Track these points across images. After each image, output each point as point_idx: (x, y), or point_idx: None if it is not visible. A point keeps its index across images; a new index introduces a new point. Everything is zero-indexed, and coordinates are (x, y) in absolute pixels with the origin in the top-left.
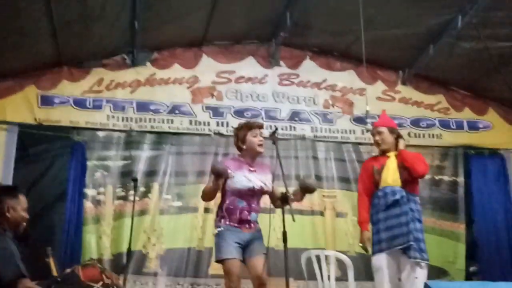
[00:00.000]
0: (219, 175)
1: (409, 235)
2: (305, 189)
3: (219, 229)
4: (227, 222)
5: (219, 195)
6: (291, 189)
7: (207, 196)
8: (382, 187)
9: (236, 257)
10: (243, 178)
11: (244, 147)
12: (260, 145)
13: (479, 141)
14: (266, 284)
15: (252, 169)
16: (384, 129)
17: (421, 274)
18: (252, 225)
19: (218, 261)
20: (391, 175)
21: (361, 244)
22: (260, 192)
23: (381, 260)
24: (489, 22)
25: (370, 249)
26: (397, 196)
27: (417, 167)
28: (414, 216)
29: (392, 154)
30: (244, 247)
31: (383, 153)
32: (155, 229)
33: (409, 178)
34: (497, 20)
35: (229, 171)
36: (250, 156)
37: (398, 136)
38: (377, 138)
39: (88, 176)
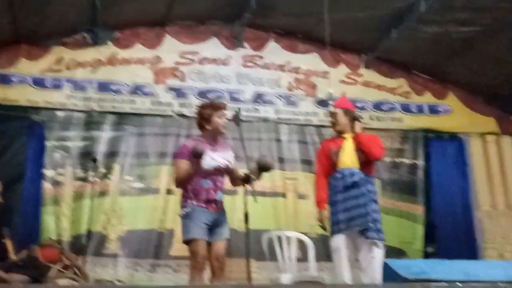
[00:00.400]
0: (200, 156)
1: (367, 216)
2: (263, 168)
3: (186, 209)
4: (194, 203)
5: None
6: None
7: (185, 181)
8: (340, 169)
9: (203, 238)
10: (208, 158)
11: (209, 127)
12: (224, 127)
13: (439, 124)
14: (224, 268)
15: (215, 148)
16: (338, 111)
17: (378, 254)
18: (218, 204)
19: (185, 241)
20: (348, 157)
21: (319, 223)
22: (225, 170)
23: (339, 241)
24: (451, 7)
25: (328, 228)
26: (355, 178)
27: (373, 150)
28: (371, 197)
29: (348, 136)
30: (210, 228)
31: (339, 134)
32: (116, 211)
33: (366, 160)
34: (459, 5)
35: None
36: (212, 136)
37: (355, 119)
38: (332, 119)
39: (46, 156)
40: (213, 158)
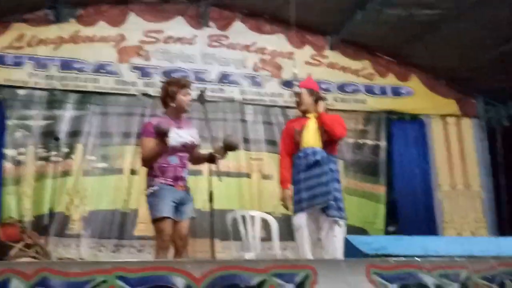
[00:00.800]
0: (165, 133)
1: (328, 195)
2: (229, 147)
3: (154, 188)
4: (162, 181)
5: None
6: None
7: (153, 159)
8: (303, 148)
9: (171, 216)
10: (174, 134)
11: (173, 104)
12: (188, 104)
13: (401, 106)
14: (187, 246)
15: (179, 125)
16: (303, 90)
17: (340, 232)
18: (184, 182)
19: (154, 219)
20: (311, 136)
21: (281, 202)
22: (191, 147)
23: (301, 219)
24: None
25: (290, 207)
26: (318, 157)
27: (336, 129)
28: (333, 176)
29: (312, 116)
30: (176, 207)
31: (304, 114)
32: (79, 191)
33: (329, 139)
34: None
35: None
36: (176, 114)
37: (319, 99)
38: (297, 98)
39: (7, 135)
40: (179, 135)
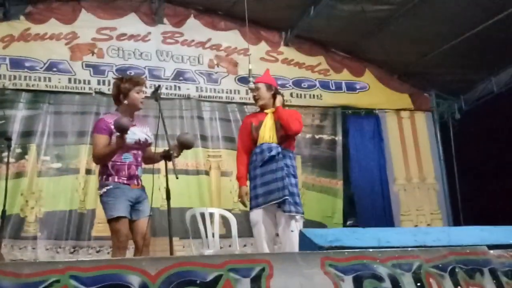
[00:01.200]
0: (125, 129)
1: (284, 190)
2: (183, 145)
3: (107, 187)
4: (116, 180)
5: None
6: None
7: (109, 156)
8: (260, 144)
9: (127, 216)
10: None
11: (126, 102)
12: (141, 102)
13: (356, 101)
14: (149, 245)
15: (132, 123)
16: (261, 85)
17: (296, 227)
18: (139, 180)
19: (110, 220)
20: (268, 132)
21: (239, 199)
22: (145, 144)
23: (258, 215)
24: None
25: (248, 203)
26: (273, 152)
27: (292, 125)
28: (289, 171)
29: (270, 111)
30: (132, 206)
31: (262, 109)
32: (34, 192)
33: (285, 134)
34: None
35: (111, 125)
36: (129, 112)
37: (276, 93)
38: (255, 93)
39: None
40: (132, 132)
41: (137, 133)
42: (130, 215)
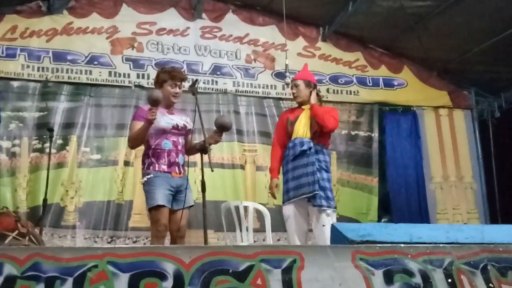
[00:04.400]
0: (156, 101)
1: (314, 185)
2: (221, 127)
3: (148, 176)
4: (156, 168)
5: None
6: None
7: (140, 137)
8: (293, 138)
9: (166, 205)
10: (164, 117)
11: (160, 91)
12: (174, 96)
13: (393, 98)
14: (185, 236)
15: (170, 111)
16: (300, 82)
17: (328, 221)
18: (181, 169)
19: (149, 208)
20: (302, 127)
21: (269, 191)
22: (184, 131)
23: (289, 210)
24: None
25: (276, 195)
26: (305, 147)
27: (327, 122)
28: (321, 166)
29: (307, 107)
30: (174, 194)
31: (300, 105)
32: (73, 182)
33: (320, 130)
34: None
35: None
36: (165, 102)
37: (314, 90)
38: (294, 90)
39: (2, 127)
40: (171, 118)
41: (174, 119)
42: (171, 204)
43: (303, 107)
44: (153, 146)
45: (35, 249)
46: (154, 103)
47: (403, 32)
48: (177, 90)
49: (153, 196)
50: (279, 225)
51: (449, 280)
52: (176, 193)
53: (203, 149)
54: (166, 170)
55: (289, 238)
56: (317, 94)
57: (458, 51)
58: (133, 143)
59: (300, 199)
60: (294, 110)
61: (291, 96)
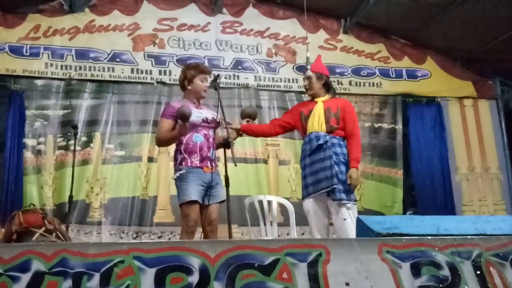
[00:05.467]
0: (186, 116)
1: (332, 179)
2: (247, 115)
3: (180, 172)
4: (189, 164)
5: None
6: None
7: (169, 141)
8: (309, 133)
9: (198, 200)
10: (194, 111)
11: (190, 88)
12: (205, 91)
13: (417, 89)
14: (216, 231)
15: (198, 106)
16: (312, 74)
17: (349, 215)
18: (213, 163)
19: (181, 204)
20: (316, 121)
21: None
22: (214, 123)
23: (308, 204)
24: None
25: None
26: (321, 141)
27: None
28: (339, 159)
29: (319, 100)
30: (206, 189)
31: (312, 98)
32: (98, 179)
33: (336, 124)
34: None
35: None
36: (194, 98)
37: (327, 83)
38: (305, 83)
39: (27, 125)
40: (200, 113)
41: (203, 112)
42: (202, 199)
43: (316, 99)
44: (184, 141)
45: (62, 245)
46: (185, 118)
47: (426, 22)
48: (207, 84)
49: (185, 192)
50: (303, 219)
51: (478, 272)
52: (208, 188)
53: (227, 143)
54: (198, 165)
55: (312, 231)
56: (329, 85)
57: (482, 40)
58: (161, 144)
59: (320, 194)
60: (307, 104)
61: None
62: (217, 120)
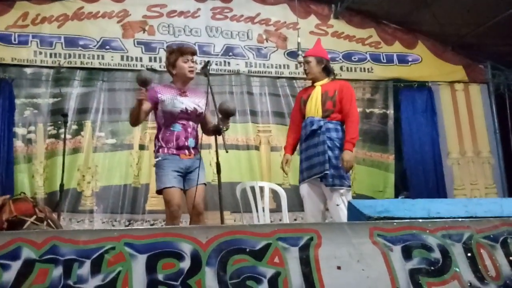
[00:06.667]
0: (144, 82)
1: (325, 164)
2: (225, 113)
3: (157, 159)
4: (165, 151)
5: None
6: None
7: (133, 115)
8: (306, 118)
9: (175, 186)
10: (174, 100)
11: (174, 72)
12: (190, 71)
13: (408, 74)
14: (203, 213)
15: (183, 93)
16: (311, 58)
17: (343, 200)
18: (191, 150)
19: (158, 191)
20: (313, 106)
21: (280, 166)
22: (195, 114)
23: (303, 189)
24: None
25: (287, 171)
26: (315, 126)
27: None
28: (334, 144)
29: (318, 84)
30: (184, 176)
31: (312, 83)
32: (89, 167)
33: (333, 109)
34: None
35: (158, 95)
36: (181, 82)
37: (327, 68)
38: (305, 67)
39: (17, 114)
40: (181, 102)
41: (184, 102)
42: (183, 185)
43: (315, 84)
44: (162, 129)
45: (52, 232)
46: (142, 84)
47: (417, 7)
48: (191, 64)
49: (160, 179)
50: (295, 204)
51: (469, 254)
52: (187, 174)
53: (218, 130)
54: (174, 152)
55: (306, 216)
56: (329, 69)
57: (473, 24)
58: (131, 122)
59: (314, 179)
60: (307, 89)
61: (305, 75)
62: (200, 111)
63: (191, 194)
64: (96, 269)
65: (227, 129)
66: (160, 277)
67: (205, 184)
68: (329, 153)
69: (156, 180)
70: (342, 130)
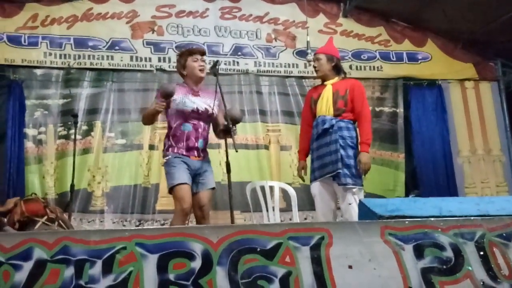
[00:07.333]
0: (169, 95)
1: (337, 163)
2: (232, 121)
3: (167, 157)
4: (175, 151)
5: (165, 126)
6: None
7: (147, 116)
8: (317, 117)
9: (187, 183)
10: (186, 100)
11: (185, 72)
12: (201, 70)
13: (418, 72)
14: (208, 218)
15: (195, 93)
16: (322, 56)
17: (355, 199)
18: (201, 153)
19: (170, 188)
20: (324, 105)
21: (297, 173)
22: (206, 115)
23: (315, 188)
24: None
25: (305, 178)
26: (326, 125)
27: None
28: (346, 142)
29: (329, 83)
30: (194, 177)
31: (322, 81)
32: (100, 167)
33: (345, 107)
34: None
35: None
36: (193, 82)
37: (337, 66)
38: (316, 64)
39: (27, 115)
40: (192, 101)
41: (196, 102)
42: (191, 186)
43: (325, 83)
44: (173, 128)
45: (63, 232)
46: (166, 96)
47: (426, 5)
48: (201, 63)
49: (172, 176)
50: (306, 204)
51: (481, 253)
52: (195, 176)
53: (227, 130)
54: (184, 153)
55: (317, 216)
56: (340, 68)
57: (483, 22)
58: (143, 121)
59: (326, 178)
60: (317, 88)
61: (314, 74)
62: (211, 112)
63: (200, 197)
64: (107, 269)
65: (235, 135)
66: (171, 277)
67: (213, 188)
68: (342, 152)
69: (167, 178)
70: (354, 128)
